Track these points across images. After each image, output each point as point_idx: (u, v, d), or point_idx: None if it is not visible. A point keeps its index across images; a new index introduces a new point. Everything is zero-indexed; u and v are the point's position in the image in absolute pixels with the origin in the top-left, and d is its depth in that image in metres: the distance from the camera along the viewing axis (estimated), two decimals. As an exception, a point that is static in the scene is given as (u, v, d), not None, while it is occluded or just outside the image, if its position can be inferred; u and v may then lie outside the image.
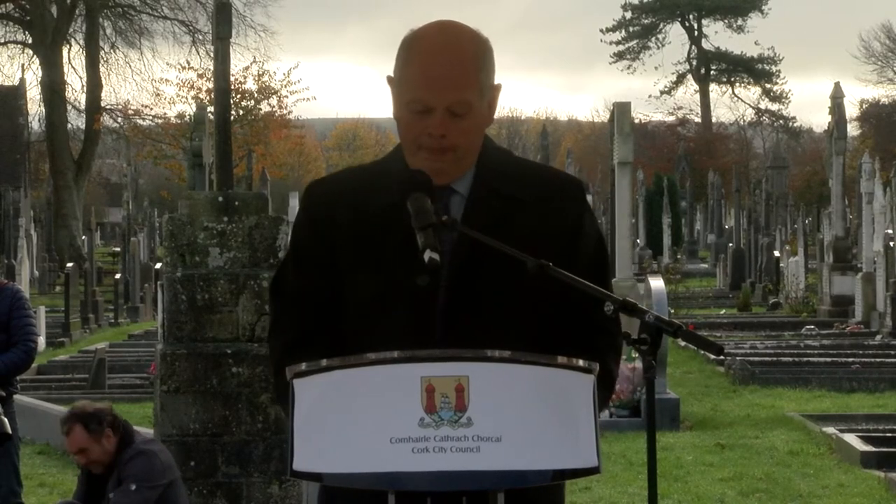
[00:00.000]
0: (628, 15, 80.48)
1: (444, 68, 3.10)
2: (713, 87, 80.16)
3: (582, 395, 2.88)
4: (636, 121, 53.73)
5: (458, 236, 3.10)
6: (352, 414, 2.82)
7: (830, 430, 12.06)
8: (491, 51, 3.20)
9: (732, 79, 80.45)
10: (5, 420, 7.47)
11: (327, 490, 3.16)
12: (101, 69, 50.04)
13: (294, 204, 33.76)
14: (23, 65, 51.87)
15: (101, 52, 50.10)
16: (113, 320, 29.15)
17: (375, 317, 3.15)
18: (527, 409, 2.82)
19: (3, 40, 51.20)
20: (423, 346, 2.97)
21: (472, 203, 3.18)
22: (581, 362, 2.91)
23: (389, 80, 3.20)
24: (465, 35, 3.17)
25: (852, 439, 11.35)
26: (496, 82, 3.20)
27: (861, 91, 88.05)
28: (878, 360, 17.93)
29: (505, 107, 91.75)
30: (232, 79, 17.97)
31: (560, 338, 3.16)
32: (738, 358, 17.42)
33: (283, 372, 3.13)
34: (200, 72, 45.02)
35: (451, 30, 3.18)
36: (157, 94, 47.14)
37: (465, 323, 3.11)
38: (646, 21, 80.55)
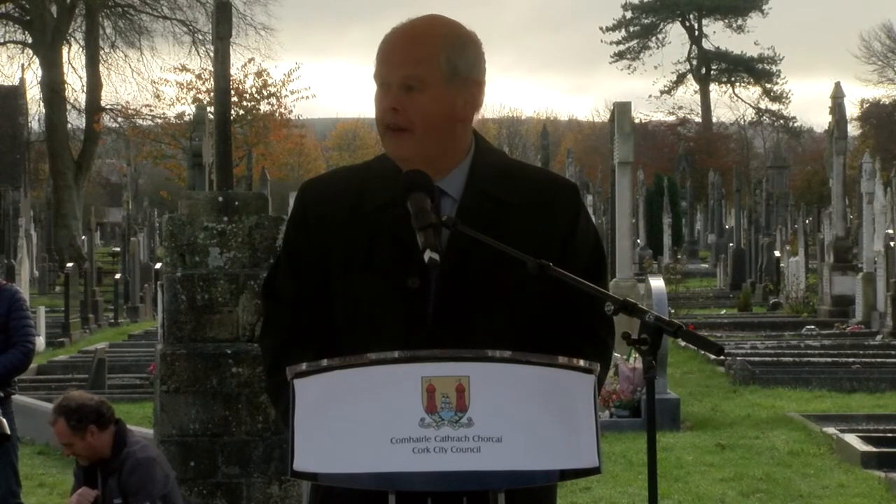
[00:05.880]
0: (628, 14, 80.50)
1: (402, 44, 3.14)
2: (713, 86, 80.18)
3: (582, 395, 2.88)
4: (636, 121, 53.74)
5: (449, 239, 3.09)
6: (352, 414, 2.81)
7: (831, 430, 12.06)
8: (472, 43, 3.18)
9: (732, 79, 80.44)
10: (4, 421, 7.47)
11: (319, 491, 3.15)
12: (101, 69, 49.96)
13: (294, 204, 33.77)
14: (23, 65, 51.88)
15: (101, 52, 50.00)
16: (113, 320, 29.13)
17: (368, 317, 3.15)
18: (527, 410, 2.82)
19: (3, 40, 51.16)
20: (415, 347, 2.96)
21: (463, 206, 3.17)
22: (582, 362, 2.91)
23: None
24: (441, 21, 3.19)
25: (853, 439, 11.34)
26: (482, 80, 3.18)
27: (861, 91, 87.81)
28: (878, 360, 17.92)
29: (505, 107, 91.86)
30: (232, 79, 17.96)
31: (551, 342, 3.15)
32: (738, 358, 17.41)
33: (276, 372, 3.13)
34: (198, 73, 44.99)
35: (428, 17, 3.20)
36: (157, 97, 47.14)
37: (456, 325, 3.10)
38: (646, 21, 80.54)
